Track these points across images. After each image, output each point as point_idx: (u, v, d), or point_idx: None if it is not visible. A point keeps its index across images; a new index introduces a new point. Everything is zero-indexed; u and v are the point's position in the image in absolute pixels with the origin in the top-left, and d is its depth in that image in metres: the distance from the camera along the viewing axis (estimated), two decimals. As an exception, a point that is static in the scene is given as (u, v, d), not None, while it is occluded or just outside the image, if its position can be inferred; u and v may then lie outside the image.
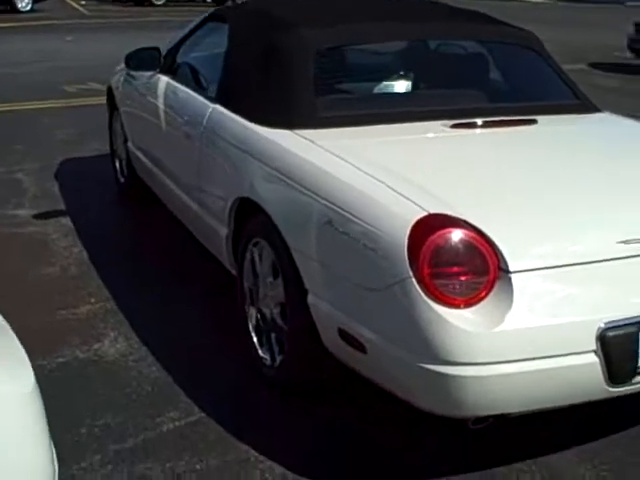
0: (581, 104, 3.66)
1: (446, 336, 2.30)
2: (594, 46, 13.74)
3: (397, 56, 3.97)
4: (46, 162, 6.44)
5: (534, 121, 3.34)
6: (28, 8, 21.75)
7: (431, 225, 2.39)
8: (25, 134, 7.49)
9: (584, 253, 2.46)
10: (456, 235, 2.37)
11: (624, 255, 2.48)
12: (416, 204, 2.47)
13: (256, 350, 3.26)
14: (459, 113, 3.28)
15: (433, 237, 2.35)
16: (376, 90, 3.70)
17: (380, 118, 3.25)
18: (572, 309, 2.39)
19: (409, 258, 2.35)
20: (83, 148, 6.88)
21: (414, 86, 3.84)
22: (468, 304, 2.33)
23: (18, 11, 21.41)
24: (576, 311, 2.39)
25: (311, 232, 2.76)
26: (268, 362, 3.17)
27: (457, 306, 2.32)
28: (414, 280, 2.33)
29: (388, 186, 2.60)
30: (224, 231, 3.45)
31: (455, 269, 2.36)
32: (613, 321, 2.38)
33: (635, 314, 2.41)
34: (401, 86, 3.78)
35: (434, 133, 3.21)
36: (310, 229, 2.76)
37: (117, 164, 5.61)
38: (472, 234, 2.37)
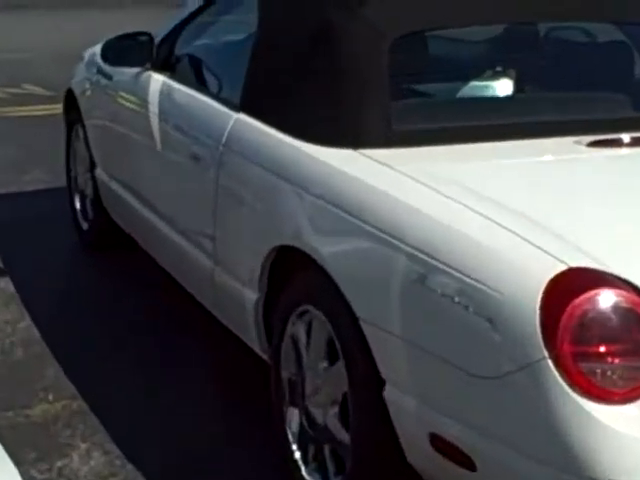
0: None
1: (597, 443, 2.38)
2: None
3: (504, 46, 4.09)
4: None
5: None
6: None
7: (573, 284, 2.49)
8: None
9: None
10: (609, 298, 2.46)
11: None
12: (550, 254, 2.56)
13: (299, 469, 3.33)
14: (597, 126, 3.39)
15: (577, 301, 2.44)
16: (475, 94, 3.79)
17: (483, 133, 3.36)
18: None
19: (543, 331, 2.44)
20: (21, 179, 7.05)
21: (528, 88, 3.96)
22: (628, 398, 2.42)
23: None
24: None
25: (392, 295, 2.85)
26: (318, 487, 3.25)
27: (612, 400, 2.41)
28: (550, 362, 2.42)
29: (507, 229, 2.69)
30: (252, 297, 3.54)
31: (608, 347, 2.44)
32: None
33: None
34: (509, 88, 3.84)
35: (563, 155, 3.32)
36: (391, 291, 2.86)
37: (77, 202, 5.75)
38: (632, 296, 2.46)
